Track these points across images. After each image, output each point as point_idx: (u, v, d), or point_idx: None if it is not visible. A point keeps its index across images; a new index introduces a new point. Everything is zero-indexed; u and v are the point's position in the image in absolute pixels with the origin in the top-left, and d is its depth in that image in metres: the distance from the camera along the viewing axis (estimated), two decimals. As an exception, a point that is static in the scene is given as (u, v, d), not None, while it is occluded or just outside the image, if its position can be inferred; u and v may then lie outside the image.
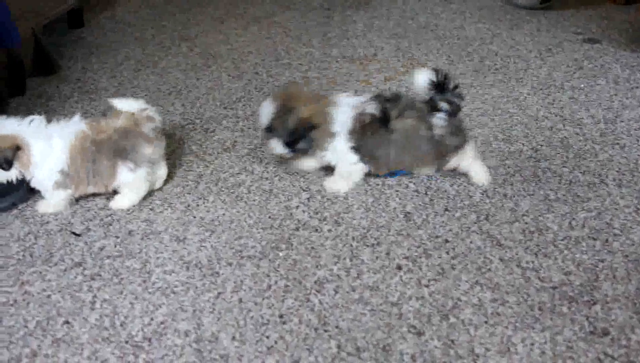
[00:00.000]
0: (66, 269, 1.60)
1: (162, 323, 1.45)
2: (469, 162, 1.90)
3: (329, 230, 1.73)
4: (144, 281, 1.56)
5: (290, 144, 1.84)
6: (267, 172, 1.97)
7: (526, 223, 1.73)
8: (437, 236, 1.70)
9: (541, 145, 2.08)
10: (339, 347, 1.39)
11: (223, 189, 1.90)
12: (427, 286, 1.54)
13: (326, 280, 1.56)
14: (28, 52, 2.47)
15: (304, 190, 1.89)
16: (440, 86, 1.80)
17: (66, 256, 1.63)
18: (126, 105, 1.76)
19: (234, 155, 2.06)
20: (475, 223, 1.75)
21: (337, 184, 1.89)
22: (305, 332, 1.43)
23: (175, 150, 2.09)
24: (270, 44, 2.92)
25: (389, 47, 2.86)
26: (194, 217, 1.78)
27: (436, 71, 1.80)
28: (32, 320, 1.45)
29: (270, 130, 1.85)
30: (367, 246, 1.67)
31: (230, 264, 1.61)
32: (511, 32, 3.01)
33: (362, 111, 1.82)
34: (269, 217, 1.78)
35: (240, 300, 1.51)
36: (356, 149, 1.84)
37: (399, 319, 1.45)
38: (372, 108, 1.82)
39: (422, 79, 1.80)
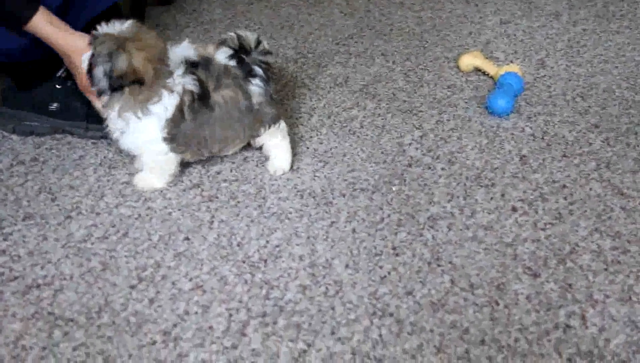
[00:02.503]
0: (185, 189, 1.65)
1: (277, 246, 1.48)
2: (278, 140, 1.67)
3: (442, 168, 1.70)
4: (259, 206, 1.59)
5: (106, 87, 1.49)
6: (380, 108, 1.95)
7: (651, 173, 1.65)
8: (554, 181, 1.64)
9: (669, 95, 1.96)
10: (452, 281, 1.38)
11: (336, 122, 1.90)
12: (543, 229, 1.50)
13: (439, 217, 1.55)
14: (147, -18, 2.52)
15: (416, 128, 1.86)
16: (243, 49, 1.57)
17: (185, 177, 1.68)
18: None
19: (346, 90, 2.05)
20: (595, 170, 1.68)
21: (149, 180, 1.63)
22: (418, 265, 1.42)
23: (287, 83, 2.10)
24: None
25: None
26: (307, 148, 1.79)
27: (224, 42, 1.57)
28: (155, 234, 1.51)
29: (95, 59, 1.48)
30: (481, 186, 1.64)
31: (343, 195, 1.62)
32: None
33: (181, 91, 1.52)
34: (382, 152, 1.77)
35: (354, 230, 1.52)
36: (170, 138, 1.55)
37: (513, 260, 1.43)
38: (191, 84, 1.52)
39: (220, 57, 1.56)
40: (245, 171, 1.71)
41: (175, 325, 1.30)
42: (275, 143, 1.67)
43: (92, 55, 1.48)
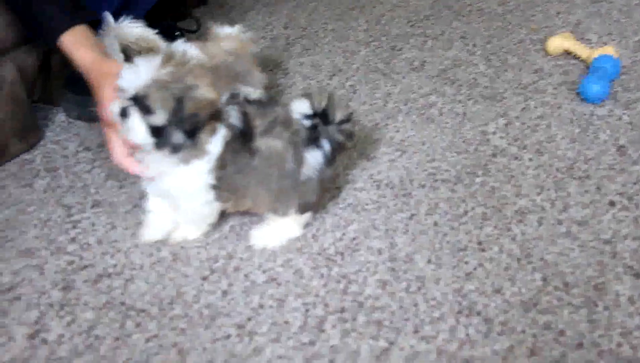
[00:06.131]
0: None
1: (354, 239, 1.49)
2: (292, 226, 1.49)
3: (530, 159, 1.68)
4: (333, 197, 1.60)
5: (173, 131, 1.27)
6: (460, 95, 1.94)
7: None
8: (657, 175, 1.60)
9: None
10: (544, 280, 1.36)
11: (413, 109, 1.89)
12: (645, 227, 1.47)
13: (528, 210, 1.53)
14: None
15: (501, 116, 1.84)
16: (323, 115, 1.39)
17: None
18: (227, 29, 1.75)
19: (423, 75, 2.04)
20: (703, 162, 1.63)
21: (185, 232, 1.49)
22: (506, 261, 1.41)
23: (359, 68, 2.10)
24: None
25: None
26: (383, 136, 1.79)
27: (310, 97, 1.40)
28: (226, 225, 1.54)
29: (138, 102, 1.25)
30: (574, 178, 1.61)
31: (423, 186, 1.62)
32: None
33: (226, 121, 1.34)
34: (463, 141, 1.76)
35: (435, 223, 1.51)
36: (216, 183, 1.37)
37: (612, 258, 1.40)
38: (233, 116, 1.35)
39: (299, 109, 1.40)
40: (318, 160, 1.72)
41: (249, 319, 1.32)
42: (287, 223, 1.48)
43: (141, 102, 1.25)
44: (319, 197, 1.47)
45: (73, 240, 1.51)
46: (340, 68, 2.10)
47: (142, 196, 1.58)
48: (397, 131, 1.81)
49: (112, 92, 1.32)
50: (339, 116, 1.41)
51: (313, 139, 1.39)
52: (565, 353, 1.22)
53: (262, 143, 1.36)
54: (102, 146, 1.77)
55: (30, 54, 1.72)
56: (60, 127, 1.85)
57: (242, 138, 1.34)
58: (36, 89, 1.80)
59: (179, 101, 1.24)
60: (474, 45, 2.17)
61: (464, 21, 2.31)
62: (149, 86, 1.23)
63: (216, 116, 1.31)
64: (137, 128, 1.26)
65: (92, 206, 1.60)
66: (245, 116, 1.35)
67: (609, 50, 1.92)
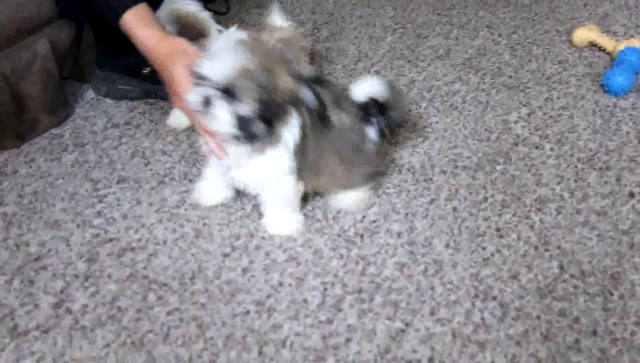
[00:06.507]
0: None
1: (373, 221, 1.51)
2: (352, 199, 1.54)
3: (551, 149, 1.69)
4: (355, 180, 1.62)
5: (255, 121, 1.28)
6: (484, 83, 1.95)
7: None
8: (677, 168, 1.61)
9: None
10: (561, 267, 1.37)
11: (436, 96, 1.90)
12: (664, 218, 1.47)
13: (547, 199, 1.54)
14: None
15: (523, 105, 1.85)
16: (381, 106, 1.46)
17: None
18: (281, 21, 1.77)
19: (447, 63, 2.05)
20: None
21: (284, 222, 1.48)
22: (524, 248, 1.42)
23: (385, 54, 2.11)
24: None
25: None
26: (406, 122, 1.80)
27: (382, 84, 1.44)
28: (249, 204, 1.56)
29: (226, 91, 1.25)
30: (594, 169, 1.62)
31: (444, 172, 1.63)
32: None
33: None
34: (485, 129, 1.77)
35: (455, 209, 1.53)
36: (298, 165, 1.39)
37: (630, 248, 1.41)
38: (308, 97, 1.36)
39: (366, 89, 1.45)
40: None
41: (269, 296, 1.35)
42: (349, 198, 1.54)
43: (226, 89, 1.25)
44: (380, 166, 1.56)
45: (99, 213, 1.55)
46: (366, 54, 2.11)
47: (167, 173, 1.61)
48: (420, 118, 1.82)
49: (185, 70, 1.34)
50: (394, 115, 1.48)
51: (366, 117, 1.45)
52: (579, 340, 1.24)
53: (335, 117, 1.39)
54: (130, 123, 1.81)
55: (63, 30, 1.75)
56: (89, 104, 1.88)
57: (318, 116, 1.37)
58: (67, 65, 1.83)
59: (266, 92, 1.25)
60: (499, 35, 2.17)
61: (490, 11, 2.31)
62: (236, 75, 1.23)
63: (295, 103, 1.33)
64: (223, 117, 1.26)
65: (118, 182, 1.63)
66: (317, 95, 1.37)
67: (635, 42, 1.92)
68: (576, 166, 1.63)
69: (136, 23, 1.47)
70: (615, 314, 1.27)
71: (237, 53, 1.25)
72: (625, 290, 1.32)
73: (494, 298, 1.32)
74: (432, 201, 1.55)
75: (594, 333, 1.24)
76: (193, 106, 1.27)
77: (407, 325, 1.28)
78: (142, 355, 1.24)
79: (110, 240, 1.48)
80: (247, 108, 1.25)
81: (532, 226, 1.47)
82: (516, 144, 1.71)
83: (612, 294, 1.31)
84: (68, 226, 1.51)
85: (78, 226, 1.51)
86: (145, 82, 1.87)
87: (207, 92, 1.26)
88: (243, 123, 1.27)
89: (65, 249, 1.46)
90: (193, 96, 1.27)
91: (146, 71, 1.85)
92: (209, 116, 1.27)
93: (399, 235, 1.47)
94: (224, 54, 1.25)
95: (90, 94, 1.92)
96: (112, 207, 1.56)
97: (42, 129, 1.76)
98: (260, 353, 1.24)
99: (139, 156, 1.70)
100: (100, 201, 1.58)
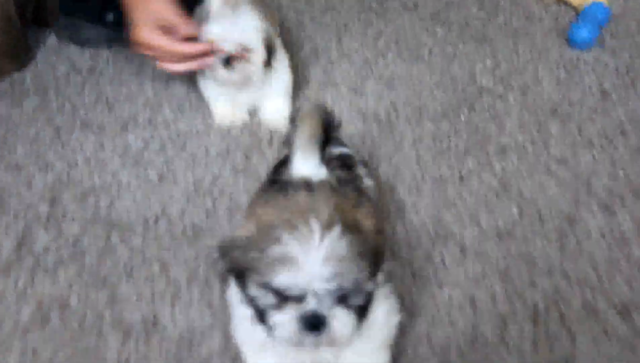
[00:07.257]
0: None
1: (338, 168, 1.51)
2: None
3: (515, 99, 1.71)
4: (320, 128, 1.62)
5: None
6: (451, 36, 1.95)
7: None
8: (637, 119, 1.63)
9: None
10: (520, 212, 1.40)
11: (403, 49, 1.90)
12: (623, 168, 1.50)
13: (510, 148, 1.56)
14: None
15: (489, 57, 1.86)
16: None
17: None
18: None
19: (415, 16, 2.04)
20: (683, 109, 1.66)
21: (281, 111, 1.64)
22: (485, 193, 1.45)
23: (353, 5, 2.10)
24: None
25: None
26: (372, 72, 1.81)
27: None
28: (213, 149, 1.56)
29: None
30: (557, 119, 1.64)
31: (409, 121, 1.64)
32: None
33: None
34: (451, 80, 1.78)
35: (419, 156, 1.54)
36: None
37: (587, 195, 1.44)
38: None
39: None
40: (307, 91, 1.74)
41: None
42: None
43: None
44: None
45: (61, 158, 1.54)
46: (334, 6, 2.10)
47: (132, 119, 1.60)
48: (387, 68, 1.83)
49: (153, 26, 1.42)
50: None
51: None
52: (535, 279, 1.27)
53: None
54: (93, 69, 1.78)
55: (24, -26, 1.72)
56: (52, 50, 1.85)
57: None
58: (29, 10, 1.80)
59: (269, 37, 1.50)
60: (468, -12, 2.17)
61: (459, -35, 2.30)
62: (252, 33, 1.46)
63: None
64: (255, 69, 1.49)
65: (81, 127, 1.62)
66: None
67: (601, -3, 1.93)
68: (539, 117, 1.65)
69: None
70: (571, 256, 1.31)
71: (251, 13, 1.46)
72: (581, 233, 1.35)
73: (455, 241, 1.34)
74: (396, 148, 1.56)
75: (550, 273, 1.28)
76: (214, 65, 1.48)
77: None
78: (104, 293, 1.25)
79: (73, 183, 1.47)
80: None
81: (494, 173, 1.50)
82: (481, 94, 1.72)
83: (567, 237, 1.34)
84: (29, 170, 1.50)
85: (40, 169, 1.50)
86: (109, 29, 1.84)
87: (226, 55, 1.46)
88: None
89: (26, 192, 1.45)
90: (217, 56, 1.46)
91: (110, 17, 1.83)
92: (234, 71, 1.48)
93: (362, 180, 1.48)
94: (240, 15, 1.46)
95: (53, 39, 1.88)
96: (75, 151, 1.55)
97: (3, 74, 1.74)
98: (223, 291, 1.25)
99: (103, 102, 1.69)
100: (63, 146, 1.57)
